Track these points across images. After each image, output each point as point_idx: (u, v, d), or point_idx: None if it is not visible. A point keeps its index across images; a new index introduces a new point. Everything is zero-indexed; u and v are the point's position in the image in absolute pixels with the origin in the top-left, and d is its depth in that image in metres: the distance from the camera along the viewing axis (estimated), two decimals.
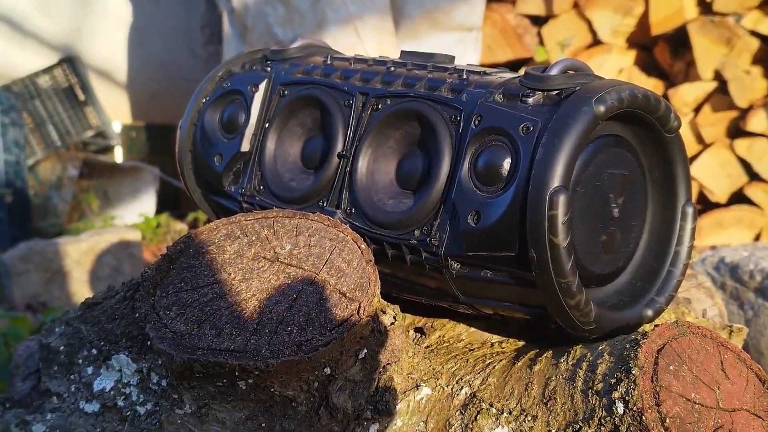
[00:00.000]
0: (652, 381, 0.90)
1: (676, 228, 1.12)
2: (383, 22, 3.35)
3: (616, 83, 1.02)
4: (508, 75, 1.12)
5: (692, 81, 3.29)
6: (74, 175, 3.88)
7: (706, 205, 3.29)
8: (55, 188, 3.84)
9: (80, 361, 1.09)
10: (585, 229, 1.02)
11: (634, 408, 0.88)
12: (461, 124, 1.07)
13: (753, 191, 3.21)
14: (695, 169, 3.24)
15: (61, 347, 1.12)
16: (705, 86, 3.27)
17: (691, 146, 3.25)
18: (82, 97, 4.16)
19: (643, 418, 0.87)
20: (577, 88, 1.01)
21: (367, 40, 3.30)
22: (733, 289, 2.21)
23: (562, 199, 0.95)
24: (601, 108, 0.98)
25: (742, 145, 3.19)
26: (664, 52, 3.40)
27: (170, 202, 4.27)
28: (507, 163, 1.01)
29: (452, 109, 1.08)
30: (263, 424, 0.99)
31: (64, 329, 1.14)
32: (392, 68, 1.19)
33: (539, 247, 0.96)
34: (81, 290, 3.09)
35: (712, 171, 3.26)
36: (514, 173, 1.00)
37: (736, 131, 3.24)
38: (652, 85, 3.38)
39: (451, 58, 1.20)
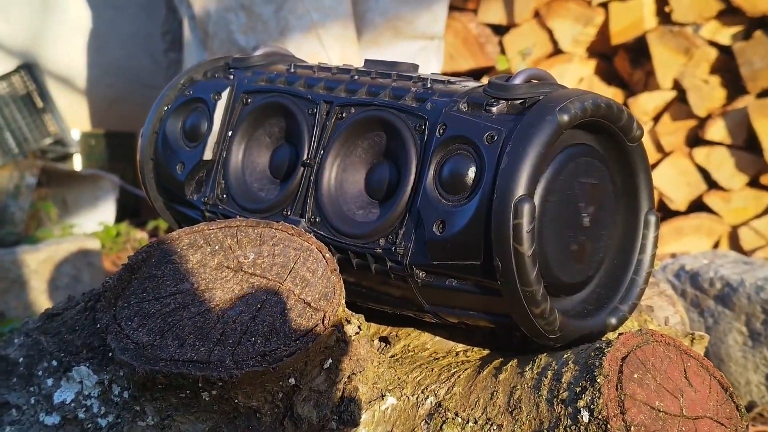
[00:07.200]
0: (616, 389, 0.90)
1: (638, 236, 1.13)
2: (346, 30, 3.35)
3: (579, 92, 1.02)
4: (472, 84, 1.12)
5: (651, 90, 3.32)
6: (32, 183, 3.82)
7: (665, 213, 3.32)
8: (13, 197, 3.78)
9: (40, 372, 1.08)
10: (556, 239, 1.02)
11: (599, 417, 0.89)
12: (426, 133, 1.07)
13: (711, 199, 3.24)
14: (655, 178, 3.25)
15: (20, 359, 1.10)
16: (664, 95, 3.30)
17: (650, 155, 3.27)
18: (40, 104, 4.10)
19: (609, 426, 0.88)
20: (540, 98, 1.01)
21: (330, 48, 3.30)
22: (693, 297, 2.23)
23: (526, 208, 0.95)
24: (565, 117, 0.98)
25: (700, 153, 3.23)
26: (624, 61, 3.43)
27: (130, 211, 4.22)
28: (472, 172, 1.01)
29: (417, 117, 1.08)
30: None
31: (23, 340, 1.12)
32: (356, 77, 1.19)
33: (504, 256, 0.96)
34: (39, 300, 3.04)
35: (672, 179, 3.29)
36: (479, 182, 1.00)
37: (695, 140, 3.28)
38: (612, 94, 3.41)
39: (415, 67, 1.20)
